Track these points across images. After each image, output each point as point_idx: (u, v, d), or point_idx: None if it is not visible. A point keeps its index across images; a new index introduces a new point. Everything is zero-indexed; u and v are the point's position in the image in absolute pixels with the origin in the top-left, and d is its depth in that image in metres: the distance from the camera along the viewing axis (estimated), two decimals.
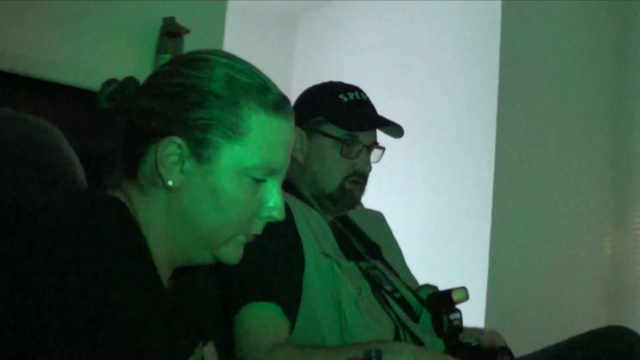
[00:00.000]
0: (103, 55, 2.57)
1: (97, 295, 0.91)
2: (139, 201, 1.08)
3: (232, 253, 1.12)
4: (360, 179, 1.78)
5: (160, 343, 1.00)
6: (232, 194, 1.07)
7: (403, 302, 1.77)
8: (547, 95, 3.52)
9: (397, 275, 1.84)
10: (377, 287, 1.73)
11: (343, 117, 1.76)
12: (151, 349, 0.97)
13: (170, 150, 1.05)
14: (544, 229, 3.47)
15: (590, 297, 3.57)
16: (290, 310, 1.56)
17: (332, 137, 1.76)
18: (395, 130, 1.81)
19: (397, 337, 1.65)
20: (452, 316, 1.75)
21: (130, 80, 1.13)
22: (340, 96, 1.79)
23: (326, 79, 1.90)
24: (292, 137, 1.14)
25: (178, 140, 1.05)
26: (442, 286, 1.84)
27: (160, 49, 2.65)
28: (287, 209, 1.30)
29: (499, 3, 3.44)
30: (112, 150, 1.13)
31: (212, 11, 2.88)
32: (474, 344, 1.72)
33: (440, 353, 1.66)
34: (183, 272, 1.18)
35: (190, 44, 2.60)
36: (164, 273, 1.10)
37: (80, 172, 1.41)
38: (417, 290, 1.84)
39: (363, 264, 1.77)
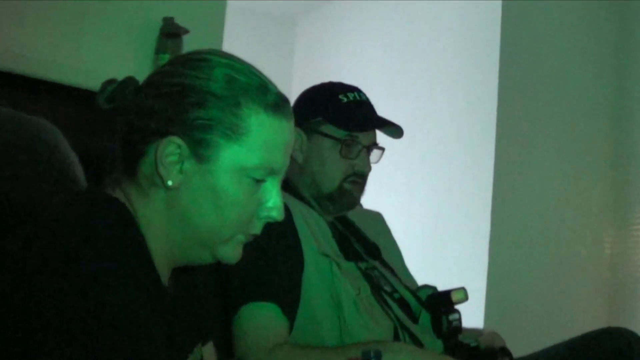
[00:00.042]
0: (103, 55, 2.57)
1: (96, 295, 0.91)
2: (139, 201, 1.08)
3: (231, 253, 1.12)
4: (359, 179, 1.78)
5: (160, 343, 1.00)
6: (231, 194, 1.07)
7: (402, 303, 1.77)
8: (547, 95, 3.52)
9: (396, 276, 1.84)
10: (376, 288, 1.73)
11: (343, 118, 1.76)
12: (150, 349, 0.97)
13: (170, 150, 1.06)
14: (544, 230, 3.47)
15: (590, 297, 3.57)
16: (290, 310, 1.56)
17: (331, 137, 1.76)
18: (394, 130, 1.81)
19: (396, 338, 1.65)
20: (451, 317, 1.75)
21: (129, 80, 1.13)
22: (340, 96, 1.79)
23: (326, 80, 1.90)
24: (291, 137, 1.14)
25: (178, 140, 1.05)
26: (441, 287, 1.84)
27: (159, 49, 2.65)
28: (287, 209, 1.30)
29: (499, 3, 3.44)
30: (111, 150, 1.13)
31: (211, 11, 2.88)
32: (473, 344, 1.72)
33: (439, 354, 1.66)
34: (182, 272, 1.18)
35: (189, 44, 2.60)
36: (164, 273, 1.10)
37: (80, 172, 1.41)
38: (417, 290, 1.84)
39: (362, 265, 1.77)
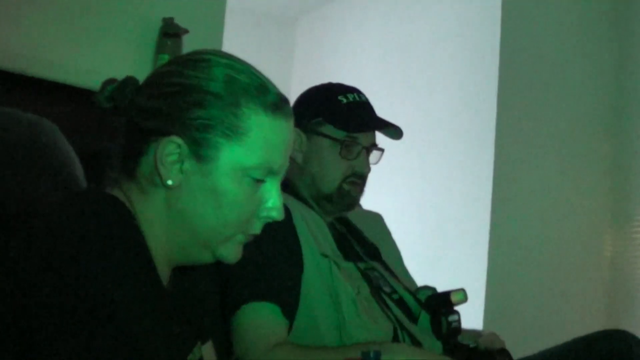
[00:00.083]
0: (103, 55, 2.57)
1: (96, 295, 0.91)
2: (139, 200, 1.09)
3: (231, 252, 1.12)
4: (359, 180, 1.79)
5: (159, 342, 1.00)
6: (231, 194, 1.07)
7: (401, 303, 1.77)
8: (546, 95, 3.52)
9: (395, 277, 1.84)
10: (375, 288, 1.73)
11: (342, 119, 1.76)
12: (150, 348, 0.97)
13: (170, 150, 1.06)
14: (543, 231, 3.47)
15: (589, 299, 3.57)
16: (289, 310, 1.56)
17: (331, 138, 1.76)
18: (394, 131, 1.81)
19: (395, 338, 1.65)
20: (451, 318, 1.75)
21: (129, 80, 1.13)
22: (340, 97, 1.79)
23: (325, 80, 1.91)
24: (291, 137, 1.15)
25: (177, 139, 1.06)
26: (440, 288, 1.84)
27: (159, 49, 2.65)
28: (286, 209, 1.30)
29: (499, 3, 3.44)
30: (111, 150, 1.14)
31: (211, 12, 2.88)
32: (472, 345, 1.72)
33: (439, 355, 1.66)
34: (182, 272, 1.18)
35: (189, 45, 2.60)
36: (163, 272, 1.10)
37: (80, 172, 1.41)
38: (416, 291, 1.84)
39: (361, 265, 1.77)
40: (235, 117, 1.07)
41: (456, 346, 1.71)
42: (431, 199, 3.67)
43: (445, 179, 3.61)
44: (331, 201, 1.78)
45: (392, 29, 4.12)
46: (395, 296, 1.77)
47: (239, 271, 1.51)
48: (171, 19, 2.66)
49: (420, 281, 1.93)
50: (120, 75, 1.15)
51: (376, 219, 2.01)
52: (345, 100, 1.79)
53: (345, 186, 1.77)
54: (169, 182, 1.06)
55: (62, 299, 0.90)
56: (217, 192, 1.07)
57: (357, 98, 1.81)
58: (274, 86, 1.12)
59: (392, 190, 3.72)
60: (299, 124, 1.73)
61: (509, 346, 1.77)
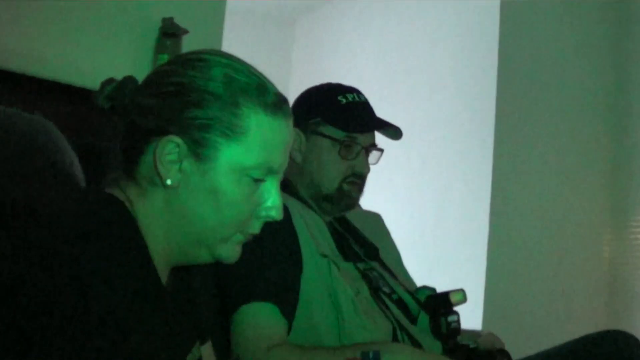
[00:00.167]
0: (102, 55, 2.57)
1: (95, 295, 0.91)
2: (138, 200, 1.09)
3: (230, 252, 1.12)
4: (358, 180, 1.79)
5: (158, 342, 1.00)
6: (230, 193, 1.07)
7: (401, 304, 1.77)
8: (545, 96, 3.53)
9: (395, 277, 1.84)
10: (374, 289, 1.73)
11: (341, 119, 1.76)
12: (149, 348, 0.97)
13: (169, 149, 1.06)
14: (542, 232, 3.47)
15: (589, 299, 3.57)
16: (288, 310, 1.56)
17: (330, 138, 1.76)
18: (393, 132, 1.81)
19: (394, 339, 1.65)
20: (450, 318, 1.75)
21: (129, 80, 1.13)
22: (339, 97, 1.79)
23: (325, 80, 1.91)
24: (290, 137, 1.14)
25: (177, 139, 1.06)
26: (440, 288, 1.84)
27: (159, 49, 2.65)
28: (285, 209, 1.30)
29: (497, 3, 3.44)
30: (111, 150, 1.14)
31: (211, 12, 2.88)
32: (471, 346, 1.72)
33: (438, 355, 1.66)
34: (181, 271, 1.18)
35: (189, 45, 2.61)
36: (163, 272, 1.10)
37: (79, 171, 1.41)
38: (415, 292, 1.84)
39: (361, 265, 1.77)
40: (235, 117, 1.06)
41: (455, 346, 1.71)
42: (430, 199, 3.67)
43: (445, 179, 3.61)
44: (330, 201, 1.78)
45: (391, 29, 4.12)
46: (394, 296, 1.77)
47: (238, 271, 1.51)
48: (171, 19, 2.66)
49: (419, 281, 1.93)
50: (120, 75, 1.15)
51: (375, 219, 2.01)
52: (344, 101, 1.79)
53: (345, 186, 1.77)
54: (168, 182, 1.06)
55: (61, 298, 0.90)
56: (216, 191, 1.07)
57: (357, 98, 1.81)
58: (273, 86, 1.12)
59: (391, 191, 3.72)
60: (298, 124, 1.73)
61: (508, 346, 1.77)
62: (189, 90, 1.06)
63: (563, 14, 3.59)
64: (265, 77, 1.12)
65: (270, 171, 1.11)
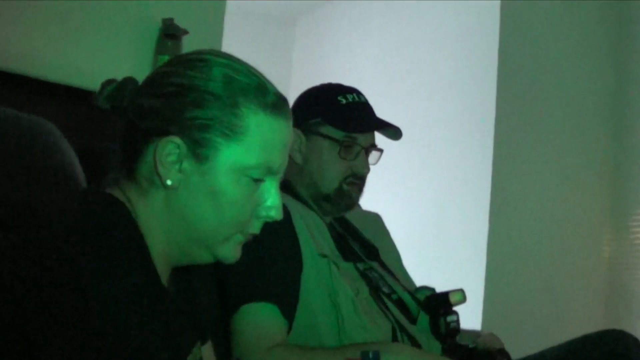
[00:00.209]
0: (102, 56, 2.57)
1: (95, 295, 0.91)
2: (138, 201, 1.09)
3: (230, 252, 1.12)
4: (358, 180, 1.79)
5: (158, 343, 1.01)
6: (230, 194, 1.07)
7: (400, 304, 1.77)
8: (545, 96, 3.53)
9: (394, 277, 1.85)
10: (374, 289, 1.73)
11: (341, 119, 1.76)
12: (149, 349, 0.97)
13: (169, 150, 1.06)
14: (542, 232, 3.47)
15: (588, 300, 3.57)
16: (288, 310, 1.56)
17: (330, 138, 1.76)
18: (393, 132, 1.82)
19: (394, 339, 1.65)
20: (450, 318, 1.75)
21: (128, 81, 1.14)
22: (339, 98, 1.79)
23: (325, 80, 1.91)
24: (290, 137, 1.15)
25: (177, 139, 1.06)
26: (439, 288, 1.85)
27: (159, 50, 2.65)
28: (285, 209, 1.30)
29: (497, 3, 3.44)
30: (111, 150, 1.14)
31: (211, 12, 2.88)
32: (471, 346, 1.72)
33: (438, 355, 1.66)
34: (182, 272, 1.18)
35: (189, 45, 2.60)
36: (163, 272, 1.10)
37: (79, 172, 1.41)
38: (415, 292, 1.85)
39: (360, 266, 1.77)
40: (234, 117, 1.07)
41: (455, 346, 1.71)
42: (430, 199, 3.67)
43: (444, 179, 3.61)
44: (330, 201, 1.78)
45: (391, 29, 4.13)
46: (394, 296, 1.77)
47: (238, 271, 1.51)
48: (171, 19, 2.66)
49: (419, 281, 1.93)
50: (120, 75, 1.15)
51: (375, 219, 2.02)
52: (344, 101, 1.79)
53: (345, 187, 1.77)
54: (168, 182, 1.06)
55: (61, 299, 0.90)
56: (216, 191, 1.07)
57: (357, 98, 1.81)
58: (272, 86, 1.13)
59: (391, 191, 3.72)
60: (298, 124, 1.73)
61: (507, 346, 1.77)
62: (188, 90, 1.07)
63: (563, 13, 3.60)
64: (265, 78, 1.13)
65: (270, 171, 1.11)
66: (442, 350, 1.71)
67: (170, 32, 2.64)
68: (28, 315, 0.90)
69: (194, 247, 1.11)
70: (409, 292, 1.82)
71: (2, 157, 1.27)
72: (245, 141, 1.07)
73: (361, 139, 1.78)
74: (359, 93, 1.83)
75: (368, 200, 1.94)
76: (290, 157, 1.77)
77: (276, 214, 1.13)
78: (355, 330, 1.59)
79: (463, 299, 1.78)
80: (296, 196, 1.77)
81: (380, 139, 1.84)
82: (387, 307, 1.71)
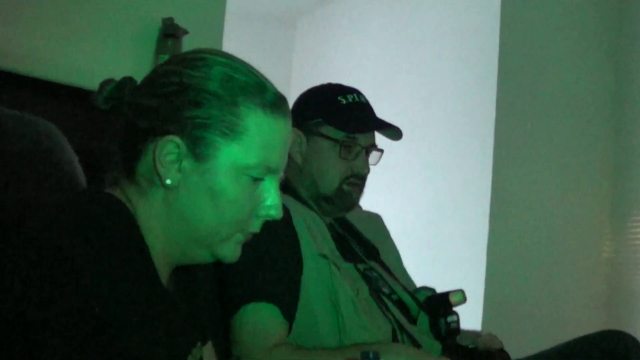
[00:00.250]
0: (103, 56, 2.57)
1: (96, 295, 0.91)
2: (138, 200, 1.09)
3: (230, 251, 1.12)
4: (358, 181, 1.79)
5: (158, 343, 1.01)
6: (229, 193, 1.07)
7: (400, 304, 1.77)
8: (545, 96, 3.53)
9: (394, 278, 1.85)
10: (374, 289, 1.73)
11: (342, 119, 1.76)
12: (149, 349, 0.97)
13: (169, 149, 1.06)
14: (542, 232, 3.47)
15: (588, 300, 3.57)
16: (289, 311, 1.56)
17: (330, 138, 1.76)
18: (393, 132, 1.82)
19: (394, 339, 1.65)
20: (450, 319, 1.75)
21: (127, 80, 1.14)
22: (339, 98, 1.79)
23: (325, 81, 1.91)
24: (289, 135, 1.14)
25: (176, 139, 1.06)
26: (439, 289, 1.85)
27: (159, 50, 2.65)
28: (285, 209, 1.30)
29: (498, 2, 3.44)
30: (111, 150, 1.14)
31: (211, 12, 2.88)
32: (471, 346, 1.73)
33: (438, 355, 1.66)
34: (182, 272, 1.18)
35: (189, 45, 2.60)
36: (163, 272, 1.10)
37: (80, 172, 1.41)
38: (415, 292, 1.85)
39: (361, 266, 1.77)
40: (234, 116, 1.07)
41: (455, 347, 1.71)
42: (430, 199, 3.67)
43: (444, 179, 3.61)
44: (330, 202, 1.78)
45: (391, 29, 4.13)
46: (394, 297, 1.77)
47: (239, 272, 1.51)
48: (171, 19, 2.66)
49: (419, 282, 1.93)
50: (120, 75, 1.15)
51: (375, 220, 2.01)
52: (344, 101, 1.79)
53: (345, 187, 1.77)
54: (168, 182, 1.06)
55: (62, 299, 0.90)
56: (215, 191, 1.07)
57: (357, 99, 1.81)
58: (272, 85, 1.12)
59: (391, 191, 3.72)
60: (298, 124, 1.74)
61: (508, 346, 1.77)
62: (188, 89, 1.07)
63: (564, 12, 3.60)
64: (264, 76, 1.12)
65: (270, 170, 1.11)
66: (442, 350, 1.70)
67: (170, 32, 2.64)
68: (28, 315, 0.90)
69: (194, 247, 1.11)
70: (409, 293, 1.82)
71: (2, 157, 1.27)
72: (244, 140, 1.07)
73: (361, 139, 1.78)
74: (359, 93, 1.83)
75: (368, 201, 1.94)
76: (291, 158, 1.77)
77: (276, 213, 1.13)
78: (356, 331, 1.59)
79: (463, 300, 1.78)
80: (296, 196, 1.77)
81: (380, 139, 1.84)
82: (387, 308, 1.71)
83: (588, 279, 3.59)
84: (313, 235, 1.67)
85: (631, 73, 3.64)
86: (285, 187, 1.77)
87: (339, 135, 1.76)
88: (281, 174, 1.15)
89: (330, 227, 1.79)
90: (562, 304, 3.48)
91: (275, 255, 1.59)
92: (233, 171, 1.07)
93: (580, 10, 3.65)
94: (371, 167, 1.81)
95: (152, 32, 2.67)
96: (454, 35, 3.69)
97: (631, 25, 3.67)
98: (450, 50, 3.70)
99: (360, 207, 1.95)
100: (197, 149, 1.06)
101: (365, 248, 1.87)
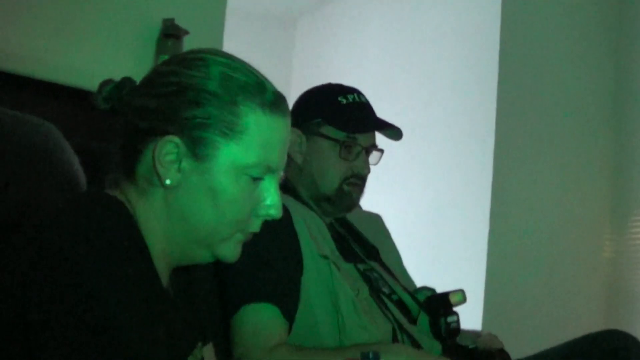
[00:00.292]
0: (103, 56, 2.57)
1: (96, 296, 0.91)
2: (138, 201, 1.09)
3: (230, 251, 1.12)
4: (358, 181, 1.79)
5: (159, 343, 1.01)
6: (229, 192, 1.07)
7: (400, 304, 1.77)
8: (546, 96, 3.53)
9: (394, 278, 1.85)
10: (374, 289, 1.73)
11: (342, 119, 1.76)
12: (149, 350, 0.97)
13: (168, 150, 1.06)
14: (542, 232, 3.47)
15: (588, 300, 3.57)
16: (289, 311, 1.56)
17: (330, 139, 1.76)
18: (394, 132, 1.82)
19: (394, 339, 1.65)
20: (450, 319, 1.75)
21: (126, 81, 1.14)
22: (340, 98, 1.79)
23: (325, 81, 1.91)
24: (288, 134, 1.14)
25: (175, 139, 1.06)
26: (439, 289, 1.85)
27: (159, 50, 2.66)
28: (286, 210, 1.30)
29: (499, 2, 3.44)
30: (111, 151, 1.14)
31: (211, 13, 2.88)
32: (471, 346, 1.73)
33: (438, 356, 1.66)
34: (182, 272, 1.18)
35: (189, 46, 2.60)
36: (164, 273, 1.10)
37: (80, 173, 1.41)
38: (415, 292, 1.85)
39: (361, 266, 1.77)
40: (233, 115, 1.07)
41: (455, 347, 1.71)
42: (431, 199, 3.67)
43: (445, 179, 3.61)
44: (331, 202, 1.78)
45: (391, 29, 4.13)
46: (394, 297, 1.77)
47: (239, 272, 1.51)
48: (171, 20, 2.67)
49: (419, 282, 1.93)
50: (120, 76, 1.15)
51: (376, 220, 2.01)
52: (345, 101, 1.79)
53: (345, 187, 1.77)
54: (168, 182, 1.06)
55: (62, 300, 0.90)
56: (215, 190, 1.07)
57: (357, 99, 1.81)
58: (270, 84, 1.12)
59: (391, 191, 3.72)
60: (298, 124, 1.74)
61: (508, 346, 1.77)
62: (186, 89, 1.07)
63: (564, 13, 3.60)
64: (263, 76, 1.12)
65: (269, 170, 1.11)
66: (442, 350, 1.70)
67: (170, 33, 2.65)
68: (28, 316, 0.90)
69: (194, 247, 1.11)
70: (409, 293, 1.82)
71: (2, 158, 1.28)
72: (244, 140, 1.07)
73: (362, 139, 1.78)
74: (359, 93, 1.83)
75: (368, 201, 1.94)
76: (291, 158, 1.77)
77: (276, 213, 1.13)
78: (356, 331, 1.59)
79: (463, 300, 1.77)
80: (297, 197, 1.77)
81: (380, 139, 1.84)
82: (387, 308, 1.71)
83: (588, 279, 3.59)
84: (313, 236, 1.67)
85: (631, 73, 3.64)
86: (286, 187, 1.77)
87: (339, 135, 1.76)
88: (281, 173, 1.15)
89: (330, 227, 1.79)
90: (562, 304, 3.48)
91: (275, 256, 1.59)
92: (233, 171, 1.07)
93: (580, 10, 3.65)
94: (371, 167, 1.81)
95: (152, 33, 2.67)
96: (455, 35, 3.69)
97: (631, 25, 3.67)
98: (451, 50, 3.70)
99: (360, 207, 1.95)
100: (197, 148, 1.06)
101: (366, 248, 1.87)
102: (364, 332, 1.59)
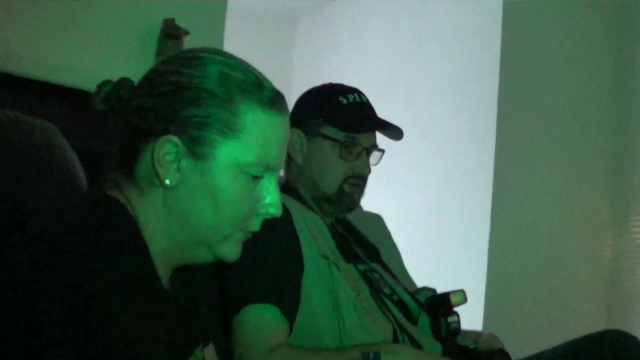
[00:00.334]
0: (103, 57, 2.57)
1: (96, 297, 0.92)
2: (138, 201, 1.09)
3: (230, 251, 1.12)
4: (359, 181, 1.78)
5: (160, 344, 1.01)
6: (229, 191, 1.07)
7: (401, 305, 1.77)
8: (546, 96, 3.53)
9: (395, 278, 1.84)
10: (375, 290, 1.73)
11: (342, 119, 1.76)
12: (150, 351, 0.97)
13: (167, 149, 1.06)
14: (543, 233, 3.47)
15: (589, 300, 3.57)
16: (289, 312, 1.56)
17: (331, 139, 1.76)
18: (394, 132, 1.81)
19: (395, 340, 1.65)
20: (450, 319, 1.75)
21: (124, 81, 1.14)
22: (340, 98, 1.79)
23: (326, 81, 1.91)
24: (287, 132, 1.14)
25: (174, 138, 1.06)
26: (440, 289, 1.85)
27: (160, 51, 2.66)
28: (286, 210, 1.30)
29: (500, 3, 3.44)
30: (111, 151, 1.14)
31: (212, 13, 2.88)
32: (471, 346, 1.73)
33: (438, 356, 1.66)
34: (182, 273, 1.18)
35: (190, 46, 2.58)
36: (164, 273, 1.10)
37: (80, 173, 1.41)
38: (416, 293, 1.85)
39: (361, 267, 1.77)
40: (231, 114, 1.07)
41: (455, 347, 1.72)
42: (431, 199, 3.67)
43: (446, 180, 3.61)
44: (331, 202, 1.78)
45: (392, 29, 4.13)
46: (395, 297, 1.77)
47: (239, 273, 1.51)
48: (172, 20, 2.67)
49: (420, 282, 1.93)
50: (120, 76, 1.16)
51: (376, 220, 2.01)
52: (345, 101, 1.79)
53: (346, 187, 1.77)
54: (167, 182, 1.06)
55: (62, 301, 0.90)
56: (214, 189, 1.07)
57: (358, 99, 1.81)
58: (269, 82, 1.12)
59: (392, 191, 3.72)
60: (299, 124, 1.74)
61: (508, 347, 1.77)
62: (185, 88, 1.06)
63: (565, 13, 3.60)
64: (261, 74, 1.12)
65: (268, 168, 1.11)
66: (443, 350, 1.70)
67: (171, 33, 2.65)
68: (28, 316, 0.90)
69: (194, 247, 1.11)
70: (410, 293, 1.82)
71: (3, 159, 1.28)
72: (242, 138, 1.07)
73: (362, 139, 1.77)
74: (360, 93, 1.83)
75: (369, 201, 1.94)
76: (292, 158, 1.77)
77: (275, 211, 1.12)
78: (356, 331, 1.59)
79: (464, 300, 1.77)
80: (297, 197, 1.76)
81: (381, 139, 1.84)
82: (388, 308, 1.71)
83: (588, 279, 3.59)
84: (314, 236, 1.67)
85: (632, 74, 3.64)
86: (286, 188, 1.77)
87: (340, 135, 1.76)
88: (280, 171, 1.15)
89: (331, 227, 1.79)
90: (563, 304, 3.48)
91: (275, 256, 1.59)
92: (232, 169, 1.07)
93: (581, 11, 3.65)
94: (372, 167, 1.81)
95: (153, 33, 2.67)
96: (455, 35, 3.69)
97: (632, 26, 3.67)
98: (452, 50, 3.70)
99: (361, 208, 1.95)
100: (196, 148, 1.06)
101: (366, 248, 1.87)
102: (364, 333, 1.59)
